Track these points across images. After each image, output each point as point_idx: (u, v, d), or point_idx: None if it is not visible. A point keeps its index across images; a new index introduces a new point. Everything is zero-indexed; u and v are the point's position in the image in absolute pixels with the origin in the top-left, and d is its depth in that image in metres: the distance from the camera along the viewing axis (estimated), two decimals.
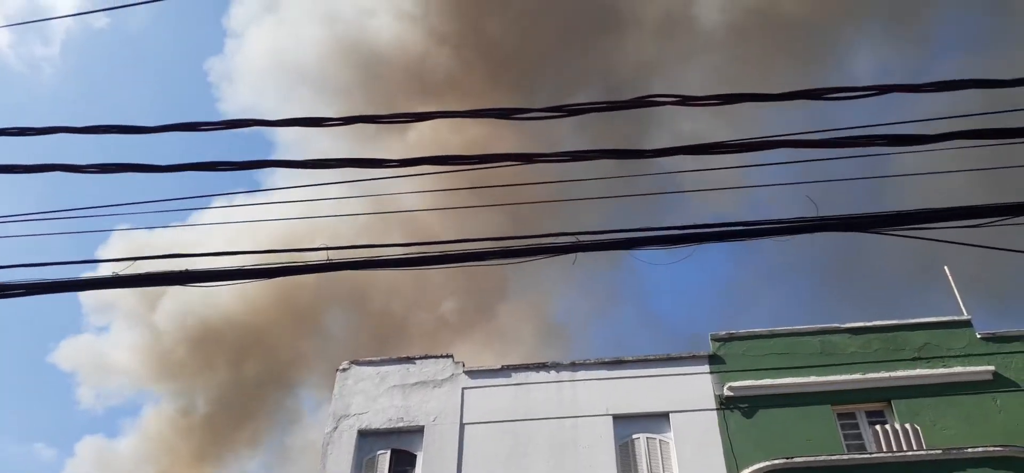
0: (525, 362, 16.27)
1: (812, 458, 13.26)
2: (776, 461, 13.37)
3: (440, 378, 16.10)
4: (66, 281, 5.22)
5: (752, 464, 13.62)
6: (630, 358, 15.97)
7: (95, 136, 5.84)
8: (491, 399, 15.64)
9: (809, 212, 4.56)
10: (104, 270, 5.54)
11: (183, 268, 5.27)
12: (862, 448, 14.06)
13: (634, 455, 14.64)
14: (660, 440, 14.79)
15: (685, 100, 5.28)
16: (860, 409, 14.82)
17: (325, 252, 5.34)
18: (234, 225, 5.84)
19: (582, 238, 4.86)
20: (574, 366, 15.91)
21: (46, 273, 5.41)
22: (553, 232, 4.87)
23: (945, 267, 16.79)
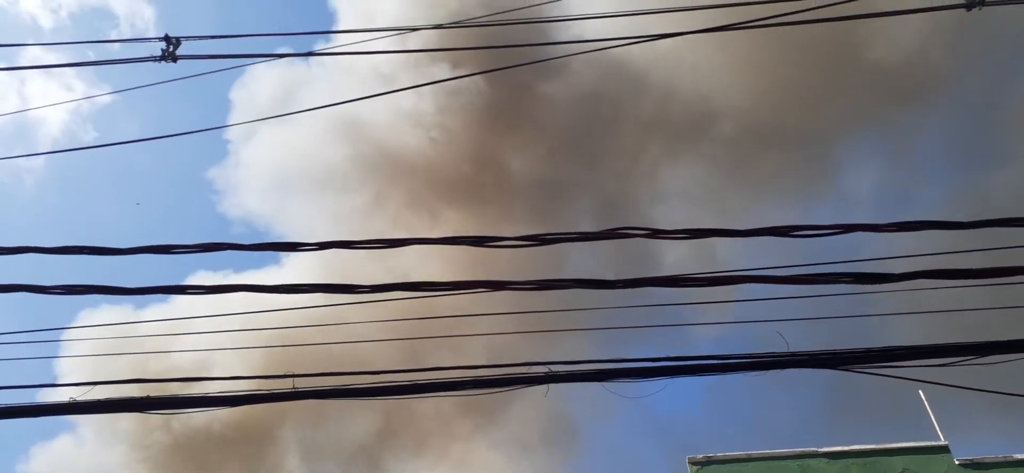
0: None
1: None
2: None
3: None
4: (19, 407, 5.05)
5: None
6: None
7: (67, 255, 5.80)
8: None
9: (781, 348, 4.57)
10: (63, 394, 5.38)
11: (145, 395, 5.13)
12: None
13: None
14: None
15: (655, 233, 5.36)
16: None
17: (291, 380, 5.23)
18: (200, 352, 5.74)
19: (554, 368, 4.81)
20: None
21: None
22: (526, 361, 4.82)
23: (920, 391, 16.81)
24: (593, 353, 4.80)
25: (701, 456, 15.84)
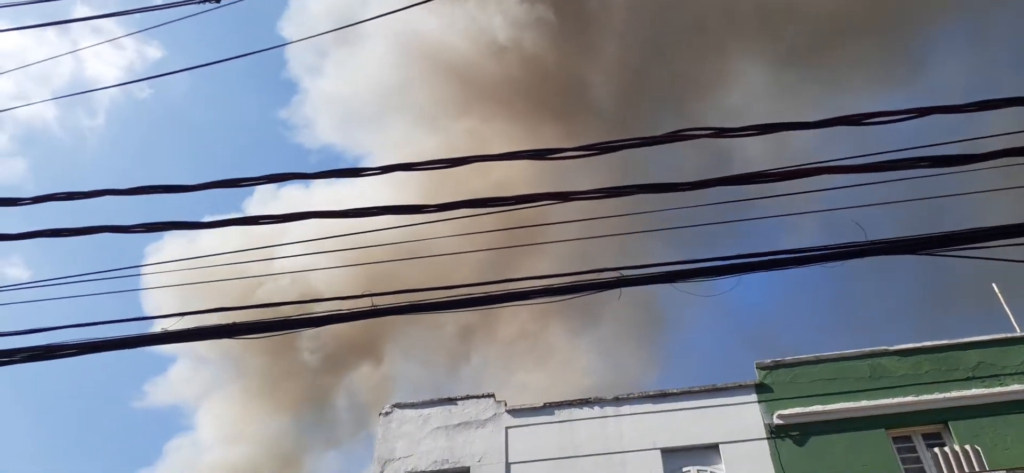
0: (568, 399, 16.13)
1: None
2: None
3: (483, 418, 16.03)
4: (118, 339, 5.33)
5: None
6: (675, 391, 15.76)
7: (140, 197, 6.00)
8: (536, 437, 15.51)
9: (857, 238, 4.48)
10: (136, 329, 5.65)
11: (230, 321, 5.35)
12: (921, 472, 13.65)
13: None
14: (711, 471, 14.52)
15: (721, 132, 5.26)
16: (916, 432, 14.42)
17: (369, 299, 5.39)
18: (278, 277, 5.92)
19: (626, 272, 4.83)
20: (618, 401, 15.74)
21: (98, 332, 5.53)
22: (597, 268, 4.85)
23: (993, 284, 16.38)
24: (667, 256, 4.79)
25: (769, 361, 15.83)
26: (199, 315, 5.48)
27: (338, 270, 6.09)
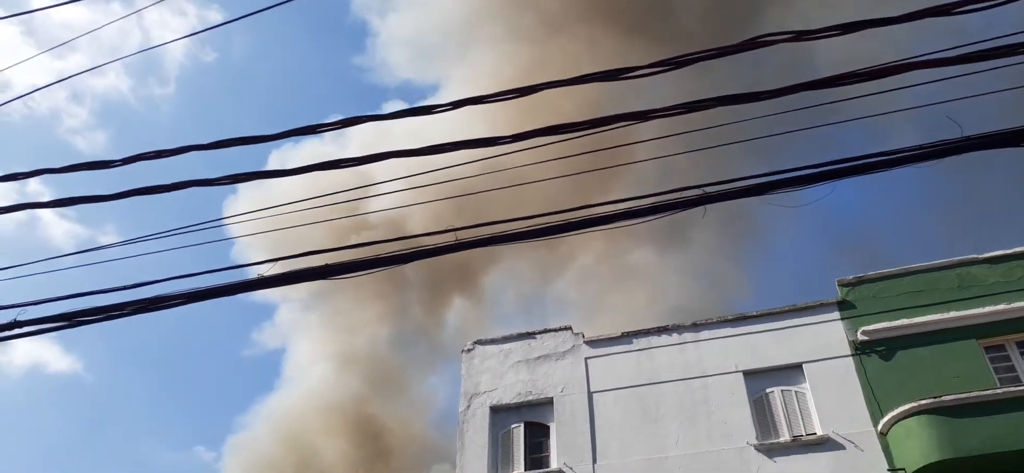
0: (645, 327, 16.16)
1: (964, 395, 12.56)
2: (923, 401, 12.77)
3: (562, 350, 16.23)
4: (220, 287, 5.57)
5: (897, 407, 13.07)
6: (755, 313, 15.61)
7: (221, 151, 6.20)
8: (615, 366, 15.65)
9: (952, 134, 4.31)
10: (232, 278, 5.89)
11: (323, 263, 5.53)
12: (1017, 380, 13.23)
13: (770, 409, 14.34)
14: (796, 391, 14.42)
15: (800, 36, 5.09)
16: (1010, 340, 13.95)
17: (453, 233, 5.48)
18: (354, 220, 6.06)
19: (709, 188, 4.77)
20: (697, 326, 15.69)
21: (199, 282, 5.80)
22: (680, 186, 4.80)
23: None
24: (752, 169, 4.70)
25: (851, 277, 15.49)
26: (293, 259, 5.68)
27: (424, 206, 6.21)
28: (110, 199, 6.07)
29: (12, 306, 5.90)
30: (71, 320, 5.68)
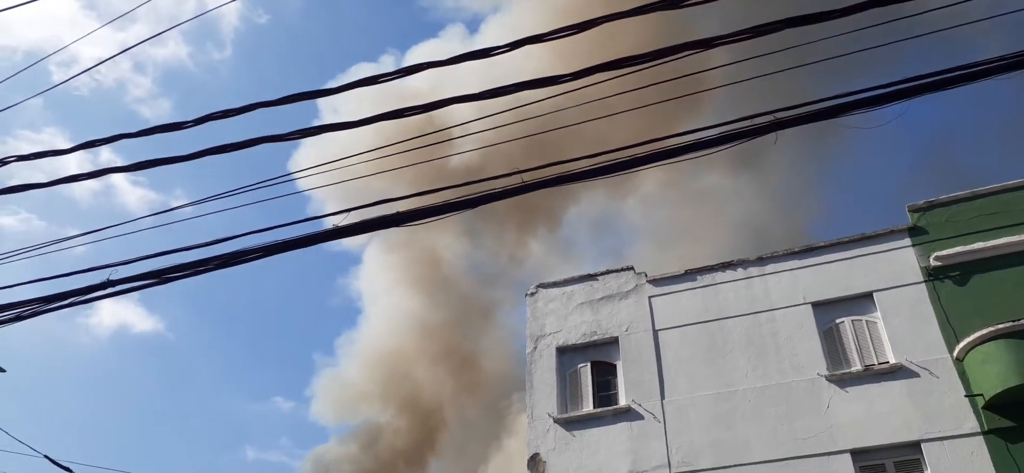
0: (709, 264, 16.03)
1: None
2: (1001, 326, 12.42)
3: (625, 290, 16.25)
4: (296, 238, 5.75)
5: (972, 332, 12.75)
6: (823, 243, 15.31)
7: (284, 109, 6.31)
8: (680, 304, 15.60)
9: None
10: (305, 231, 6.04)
11: (394, 211, 5.64)
12: None
13: (840, 340, 14.15)
14: (867, 321, 14.16)
15: None
16: None
17: (519, 175, 5.51)
18: (423, 165, 6.15)
19: (780, 114, 4.68)
20: (762, 260, 15.48)
21: (274, 235, 5.97)
22: (750, 114, 4.71)
23: None
24: (824, 92, 4.58)
25: (922, 202, 15.04)
26: (364, 209, 5.81)
27: (492, 148, 6.24)
28: (185, 159, 6.26)
29: (103, 267, 6.20)
30: (160, 277, 5.94)
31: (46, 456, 9.66)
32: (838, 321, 14.34)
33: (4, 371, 9.70)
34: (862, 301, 14.38)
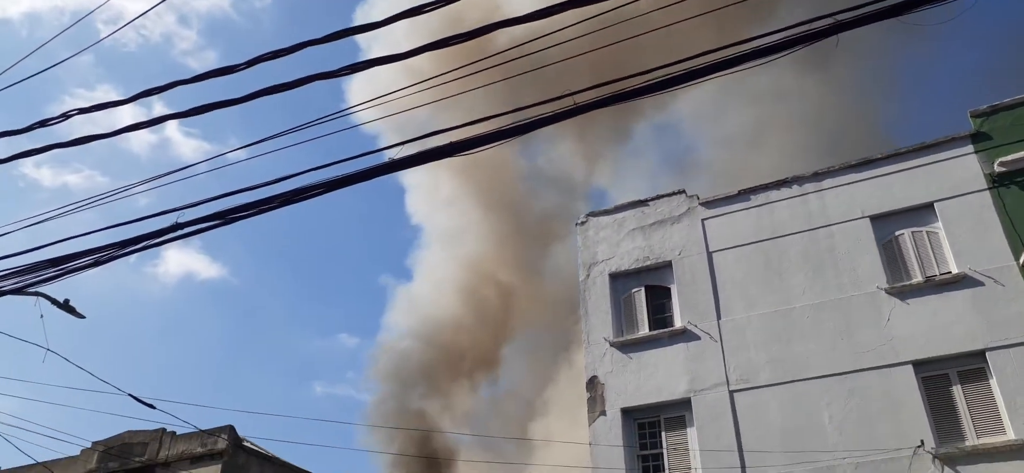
0: (763, 182, 15.77)
1: None
2: None
3: (677, 214, 16.13)
4: (356, 173, 5.85)
5: None
6: (881, 155, 14.91)
7: (334, 47, 6.33)
8: (734, 225, 15.45)
9: None
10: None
11: (448, 141, 5.69)
12: None
13: (900, 252, 13.88)
14: (927, 232, 13.85)
15: None
16: None
17: (571, 98, 5.48)
18: (475, 91, 6.14)
19: (841, 16, 4.54)
20: (818, 175, 15.17)
21: (333, 171, 6.08)
22: (808, 18, 4.58)
23: None
24: None
25: (985, 107, 14.52)
26: (419, 141, 5.87)
27: (542, 72, 6.22)
28: (239, 101, 6.36)
29: (171, 211, 6.41)
30: (225, 218, 6.12)
31: (130, 395, 10.15)
32: (897, 233, 14.05)
33: (84, 317, 10.13)
34: (922, 212, 14.04)
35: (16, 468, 23.30)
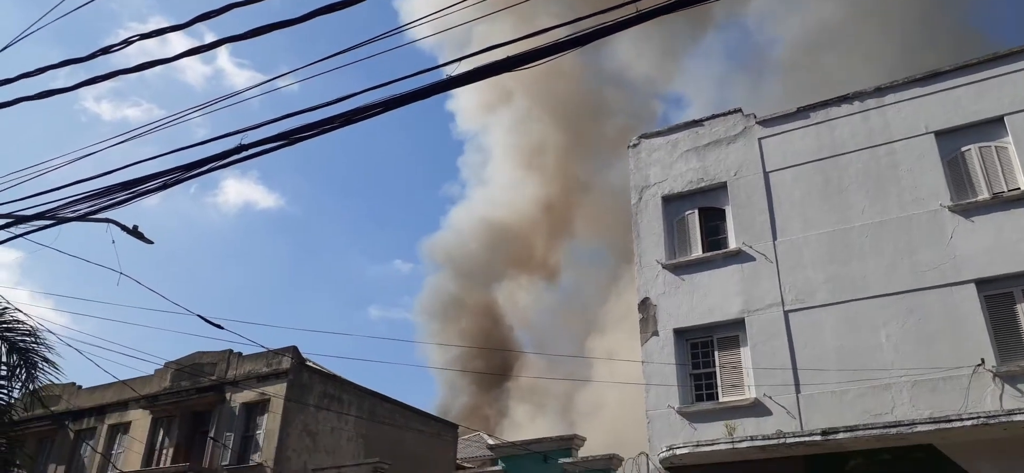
0: (823, 99, 15.33)
1: None
2: None
3: (733, 134, 15.84)
4: (414, 91, 5.89)
5: None
6: (947, 68, 14.31)
7: None
8: (792, 143, 15.11)
9: None
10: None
11: (504, 56, 5.67)
12: None
13: (966, 169, 13.44)
14: (996, 146, 13.35)
15: None
16: None
17: (633, 5, 5.39)
18: (531, 2, 6.08)
19: None
20: (881, 91, 14.68)
21: (391, 90, 6.14)
22: None
23: None
24: None
25: None
26: (476, 56, 5.86)
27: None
28: (295, 22, 6.39)
29: (234, 132, 6.57)
30: (289, 138, 6.26)
31: (200, 316, 10.55)
32: (964, 149, 13.59)
33: (152, 242, 10.50)
34: (991, 126, 13.51)
35: (100, 386, 24.62)
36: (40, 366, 11.72)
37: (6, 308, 11.56)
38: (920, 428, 11.33)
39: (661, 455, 13.45)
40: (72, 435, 24.82)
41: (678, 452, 13.01)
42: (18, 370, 11.71)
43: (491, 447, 16.50)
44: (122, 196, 7.57)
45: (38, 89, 7.69)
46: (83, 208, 7.76)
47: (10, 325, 11.64)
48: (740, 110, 16.10)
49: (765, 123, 15.61)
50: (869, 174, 14.07)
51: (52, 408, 19.94)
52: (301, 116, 6.33)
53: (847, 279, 13.42)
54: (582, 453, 15.31)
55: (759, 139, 15.48)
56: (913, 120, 14.07)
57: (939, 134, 13.76)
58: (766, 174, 15.05)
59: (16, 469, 17.17)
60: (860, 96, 14.81)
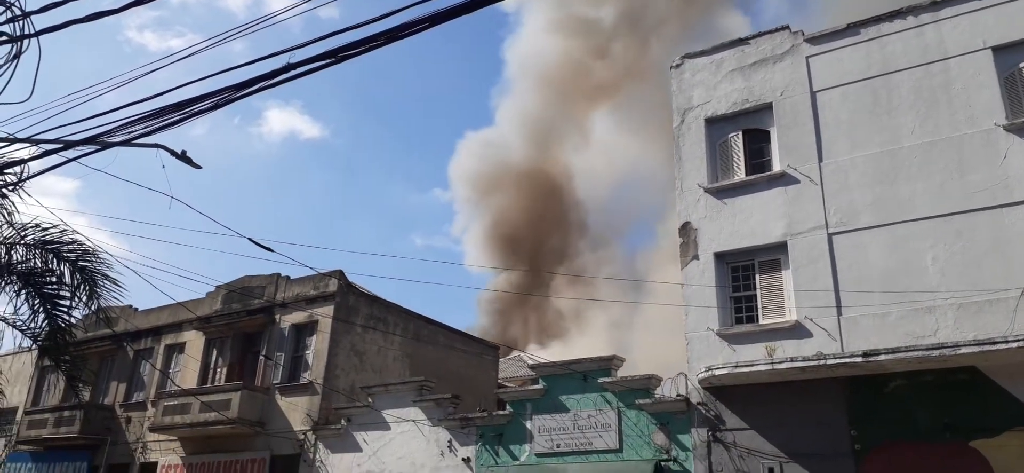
0: (875, 15, 14.83)
1: None
2: None
3: (780, 52, 15.47)
4: (459, 5, 5.89)
5: None
6: None
7: None
8: (841, 62, 14.72)
9: None
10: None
11: None
12: None
13: None
14: None
15: None
16: None
17: None
18: None
19: None
20: (936, 5, 14.13)
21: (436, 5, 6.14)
22: None
23: None
24: None
25: None
26: None
27: None
28: None
29: (282, 52, 6.66)
30: (336, 56, 6.32)
31: (250, 239, 10.87)
32: (1022, 65, 13.09)
33: (200, 167, 10.77)
34: None
35: (155, 308, 25.59)
36: (101, 285, 12.15)
37: (65, 230, 11.98)
38: (964, 350, 11.27)
39: (700, 375, 13.62)
40: (131, 354, 25.95)
41: (717, 372, 13.15)
42: (80, 289, 12.15)
43: (532, 367, 16.83)
44: (173, 118, 7.73)
45: (86, 12, 7.85)
46: (135, 130, 7.96)
47: (71, 246, 12.08)
48: (788, 27, 15.68)
49: (813, 41, 15.20)
50: (920, 93, 13.69)
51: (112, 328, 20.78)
52: (346, 34, 6.39)
53: (894, 201, 13.21)
54: (621, 373, 15.53)
55: (807, 57, 15.10)
56: (970, 35, 13.56)
57: (997, 49, 13.25)
58: (813, 94, 14.73)
59: (81, 385, 18.06)
60: (914, 11, 14.29)
